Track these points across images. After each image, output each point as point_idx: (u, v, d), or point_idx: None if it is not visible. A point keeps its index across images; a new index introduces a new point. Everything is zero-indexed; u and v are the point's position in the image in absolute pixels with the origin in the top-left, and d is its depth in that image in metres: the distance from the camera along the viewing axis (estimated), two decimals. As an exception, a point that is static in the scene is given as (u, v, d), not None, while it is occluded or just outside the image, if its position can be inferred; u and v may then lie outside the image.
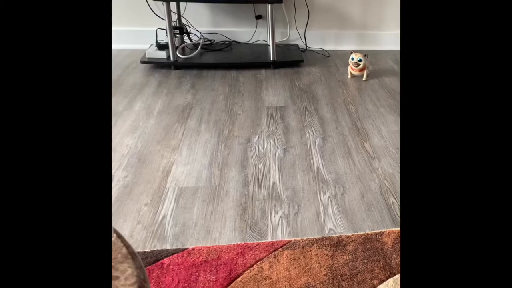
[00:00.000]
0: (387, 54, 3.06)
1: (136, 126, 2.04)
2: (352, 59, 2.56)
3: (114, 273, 0.59)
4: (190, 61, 2.77)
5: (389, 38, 3.10)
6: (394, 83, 2.57)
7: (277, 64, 2.79)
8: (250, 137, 1.96)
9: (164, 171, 1.71)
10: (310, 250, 1.30)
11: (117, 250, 0.64)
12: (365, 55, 2.54)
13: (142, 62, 2.76)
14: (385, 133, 2.00)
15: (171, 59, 2.72)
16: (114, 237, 0.66)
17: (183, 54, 2.79)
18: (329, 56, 3.02)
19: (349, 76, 2.64)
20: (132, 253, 0.65)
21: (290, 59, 2.85)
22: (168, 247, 1.32)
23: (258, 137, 1.96)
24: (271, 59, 2.76)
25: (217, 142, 1.92)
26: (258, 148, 1.87)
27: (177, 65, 2.74)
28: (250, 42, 3.11)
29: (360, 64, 2.54)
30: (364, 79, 2.61)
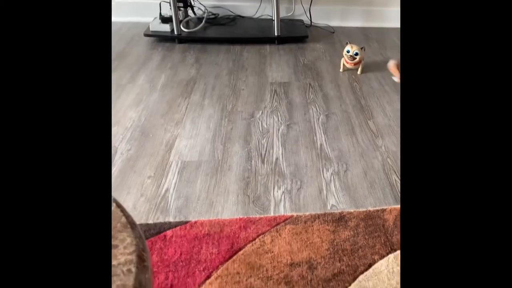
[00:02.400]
0: (393, 31, 3.02)
1: (140, 100, 2.04)
2: (348, 51, 2.33)
3: (113, 241, 0.59)
4: (194, 35, 2.74)
5: (395, 15, 3.05)
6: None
7: (282, 40, 2.76)
8: (254, 113, 1.95)
9: (167, 144, 1.71)
10: (312, 225, 1.30)
11: (116, 220, 0.64)
12: (361, 48, 2.33)
13: (146, 35, 2.73)
14: (389, 111, 1.99)
15: (175, 32, 2.69)
16: (113, 206, 0.67)
17: (187, 28, 2.76)
18: (334, 33, 2.98)
19: (341, 69, 2.41)
20: (131, 223, 0.65)
21: (294, 35, 2.82)
22: (171, 220, 1.33)
23: (262, 112, 1.95)
24: (276, 34, 2.73)
25: (220, 116, 1.91)
26: (262, 124, 1.87)
27: (181, 39, 2.72)
28: (255, 16, 3.07)
29: (356, 58, 2.32)
30: (359, 73, 2.38)
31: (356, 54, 2.31)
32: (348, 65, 2.38)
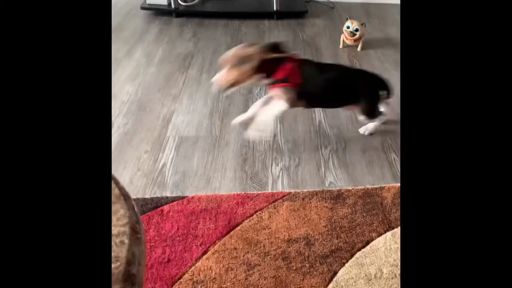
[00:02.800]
0: (394, 7, 2.97)
1: (137, 74, 2.00)
2: (348, 27, 2.26)
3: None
4: (192, 8, 2.69)
5: (397, -8, 3.00)
6: (400, 38, 2.50)
7: (280, 15, 2.71)
8: (252, 89, 1.92)
9: (164, 119, 1.68)
10: (310, 202, 1.30)
11: (109, 191, 0.63)
12: (362, 24, 2.26)
13: (143, 8, 2.68)
14: (389, 89, 1.96)
15: (172, 6, 2.64)
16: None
17: (184, 2, 2.71)
18: (334, 8, 2.93)
19: (340, 46, 2.36)
20: (124, 194, 0.64)
21: (293, 10, 2.77)
22: (168, 195, 1.32)
23: (260, 88, 1.93)
24: (274, 9, 2.68)
25: (218, 92, 1.89)
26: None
27: (179, 13, 2.67)
28: (254, -9, 3.01)
29: (356, 34, 2.25)
30: (359, 49, 2.33)
31: (357, 30, 2.24)
32: (348, 42, 2.32)
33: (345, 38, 2.32)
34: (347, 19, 2.29)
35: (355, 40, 2.29)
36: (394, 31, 2.60)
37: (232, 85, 1.41)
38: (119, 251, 0.54)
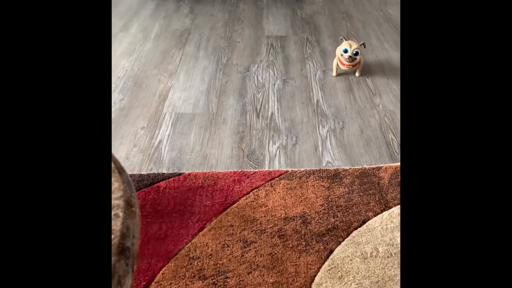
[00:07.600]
0: (395, -12, 2.93)
1: (133, 49, 1.97)
2: (345, 51, 1.78)
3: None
4: (189, -16, 2.64)
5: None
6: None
7: (280, -8, 2.67)
8: (249, 66, 1.90)
9: (161, 95, 1.66)
10: (307, 181, 1.29)
11: (102, 164, 0.62)
12: (361, 45, 1.81)
13: (139, -18, 2.63)
14: (388, 69, 1.95)
15: (169, -20, 2.59)
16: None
17: (182, -24, 2.66)
18: (334, -13, 2.89)
19: (334, 73, 1.89)
20: (119, 168, 0.63)
21: (293, -12, 2.73)
22: (165, 171, 1.31)
23: (257, 66, 1.91)
24: (274, -14, 2.64)
25: (215, 69, 1.86)
26: (257, 78, 1.82)
27: (175, -12, 2.62)
28: (253, -33, 2.96)
29: (356, 58, 1.79)
30: (357, 74, 1.90)
31: (356, 53, 1.78)
32: (344, 68, 1.85)
33: (339, 63, 1.85)
34: (341, 39, 1.85)
35: (353, 65, 1.83)
36: (395, 11, 2.56)
37: None
38: (113, 224, 0.53)
